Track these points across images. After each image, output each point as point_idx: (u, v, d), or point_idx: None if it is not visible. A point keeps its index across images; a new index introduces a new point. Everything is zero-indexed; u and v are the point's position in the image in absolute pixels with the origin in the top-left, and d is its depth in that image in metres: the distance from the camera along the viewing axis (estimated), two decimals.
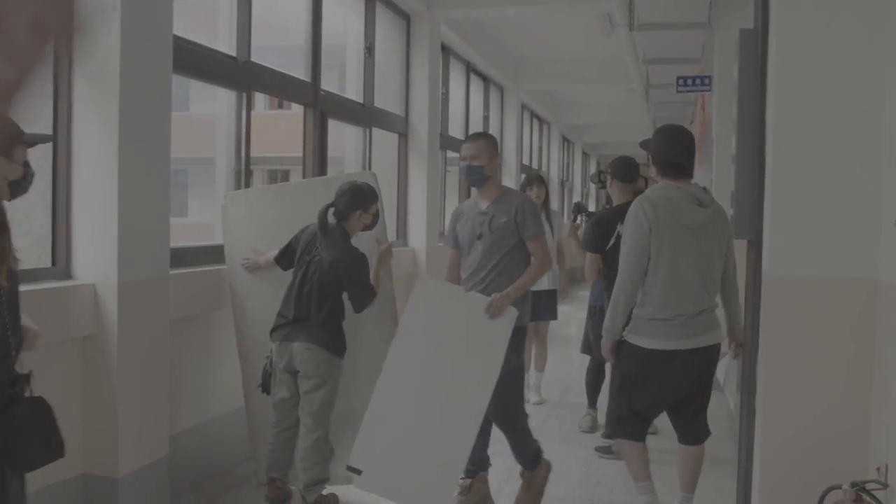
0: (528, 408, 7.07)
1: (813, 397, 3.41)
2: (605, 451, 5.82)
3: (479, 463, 4.62)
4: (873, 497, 2.95)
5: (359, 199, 4.59)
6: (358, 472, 4.17)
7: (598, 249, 5.68)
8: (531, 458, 4.71)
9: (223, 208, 5.08)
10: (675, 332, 4.05)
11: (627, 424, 4.28)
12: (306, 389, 4.47)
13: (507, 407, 4.50)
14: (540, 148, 17.61)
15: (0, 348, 2.77)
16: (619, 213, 5.31)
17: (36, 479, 3.83)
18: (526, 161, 15.48)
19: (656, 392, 4.20)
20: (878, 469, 3.05)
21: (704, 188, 4.22)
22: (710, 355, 4.17)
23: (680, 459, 4.43)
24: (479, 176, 4.56)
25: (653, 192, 4.18)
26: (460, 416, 4.13)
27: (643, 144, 4.60)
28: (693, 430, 4.33)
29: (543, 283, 7.10)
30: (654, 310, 4.06)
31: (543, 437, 6.11)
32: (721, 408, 7.19)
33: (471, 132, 11.47)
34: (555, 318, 7.41)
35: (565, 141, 20.89)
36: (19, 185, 2.71)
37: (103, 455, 4.13)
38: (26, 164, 2.71)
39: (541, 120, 17.46)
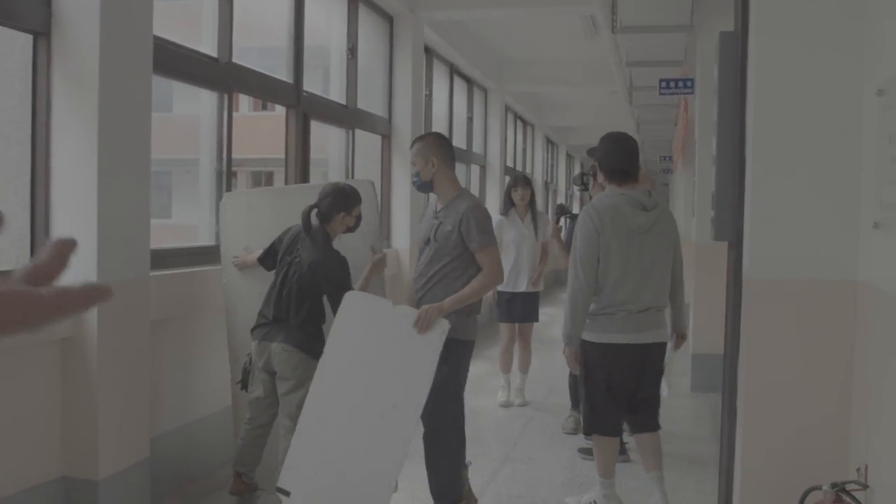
0: (513, 410, 7.13)
1: (793, 398, 3.42)
2: (587, 452, 5.81)
3: None
4: (853, 498, 2.96)
5: (342, 202, 4.56)
6: (287, 493, 4.07)
7: None
8: (447, 497, 4.36)
9: (221, 207, 5.06)
10: (620, 327, 4.36)
11: (599, 419, 4.53)
12: (284, 391, 4.46)
13: (434, 429, 4.31)
14: (524, 150, 17.64)
15: None
16: None
17: (14, 482, 3.81)
18: (510, 163, 15.50)
19: (609, 384, 4.46)
20: (857, 470, 3.07)
21: (649, 192, 4.48)
22: (654, 352, 4.47)
23: (640, 448, 4.70)
24: (418, 182, 4.41)
25: (598, 200, 4.48)
26: (388, 434, 3.97)
27: (590, 152, 4.90)
28: (644, 421, 4.58)
29: (523, 286, 7.10)
30: (601, 307, 4.37)
31: (527, 440, 6.14)
32: (703, 408, 7.22)
33: (454, 134, 11.57)
34: (536, 320, 7.37)
35: (549, 143, 20.93)
36: None
37: (83, 457, 4.09)
38: None
39: (525, 122, 17.49)
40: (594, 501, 4.70)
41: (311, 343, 4.48)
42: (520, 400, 7.36)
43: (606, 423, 4.53)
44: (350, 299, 4.22)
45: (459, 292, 4.19)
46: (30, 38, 4.06)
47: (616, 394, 4.47)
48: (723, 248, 4.19)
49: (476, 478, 5.25)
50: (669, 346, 4.70)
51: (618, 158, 4.47)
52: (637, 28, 8.62)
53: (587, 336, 4.42)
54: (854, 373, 3.32)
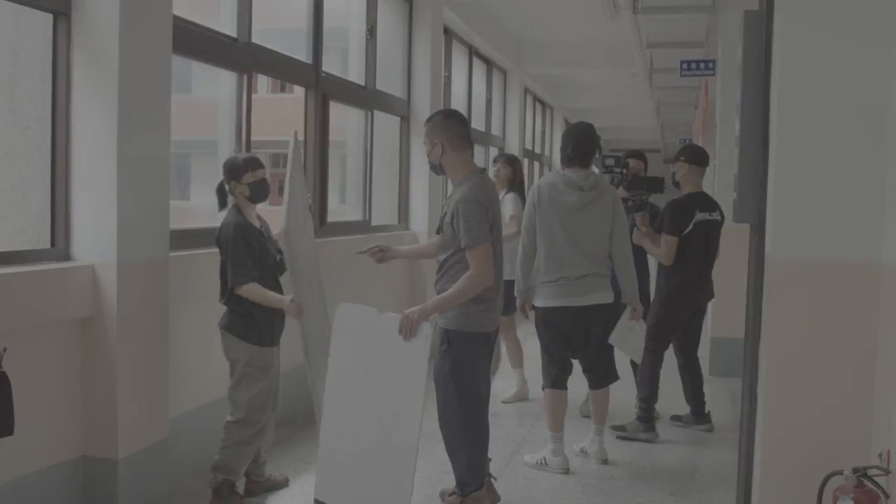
0: (511, 407, 7.00)
1: (815, 382, 3.38)
2: (621, 429, 5.97)
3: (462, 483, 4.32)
4: (875, 483, 2.93)
5: (229, 172, 4.43)
6: None
7: (679, 232, 5.86)
8: (466, 487, 4.30)
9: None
10: (560, 293, 5.04)
11: (546, 374, 5.21)
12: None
13: (447, 421, 4.26)
14: (542, 132, 17.55)
15: None
16: (699, 201, 5.99)
17: (35, 461, 3.84)
18: (528, 146, 15.42)
19: (558, 343, 5.13)
20: (879, 455, 3.03)
21: (598, 174, 5.31)
22: (596, 312, 5.08)
23: (591, 400, 5.40)
24: (432, 166, 4.34)
25: (542, 179, 5.32)
26: (397, 441, 3.91)
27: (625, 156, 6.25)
28: (595, 377, 5.28)
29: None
30: (543, 275, 5.10)
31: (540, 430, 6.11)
32: (722, 393, 7.19)
33: (473, 116, 11.51)
34: (514, 311, 6.86)
35: (569, 125, 20.80)
36: None
37: (103, 437, 4.12)
38: None
39: (544, 104, 17.39)
40: (544, 457, 5.21)
41: (237, 324, 4.35)
42: (522, 396, 7.08)
43: (550, 377, 5.17)
44: (341, 311, 4.13)
45: (443, 294, 4.12)
46: (49, 17, 4.06)
47: (564, 350, 5.14)
48: (743, 230, 4.15)
49: (493, 460, 5.27)
50: (624, 317, 5.21)
51: (565, 145, 5.16)
52: (659, 9, 8.55)
53: (537, 302, 5.17)
54: (877, 356, 3.28)
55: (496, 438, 5.74)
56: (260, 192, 4.44)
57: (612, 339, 5.23)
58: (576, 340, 5.13)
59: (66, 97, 4.09)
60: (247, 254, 4.30)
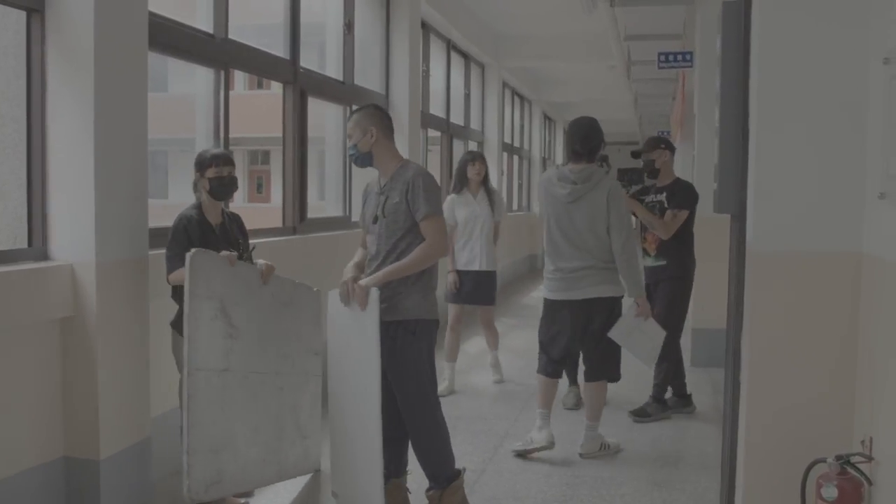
0: (508, 387, 7.09)
1: (798, 372, 3.40)
2: (641, 414, 6.17)
3: (389, 467, 4.17)
4: (858, 470, 2.95)
5: (197, 165, 4.38)
6: (336, 495, 4.29)
7: (691, 207, 6.13)
8: (442, 476, 4.23)
9: None
10: (557, 286, 5.14)
11: (539, 361, 5.34)
12: None
13: (417, 414, 4.17)
14: (521, 126, 17.56)
15: None
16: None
17: (16, 462, 3.80)
18: (507, 139, 15.43)
19: (554, 335, 5.23)
20: (862, 442, 3.05)
21: (593, 167, 5.14)
22: (593, 306, 5.09)
23: (583, 393, 5.57)
24: (355, 154, 4.17)
25: (544, 174, 5.66)
26: (366, 417, 3.95)
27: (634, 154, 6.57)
28: (588, 369, 5.36)
29: (475, 264, 6.91)
30: (547, 270, 5.23)
31: (529, 416, 6.13)
32: (703, 383, 7.22)
33: (451, 110, 11.50)
34: (490, 301, 7.09)
35: (547, 119, 20.84)
36: None
37: (84, 437, 4.08)
38: None
39: (522, 98, 17.40)
40: (530, 436, 5.32)
41: (176, 316, 4.29)
42: (497, 376, 7.34)
43: (539, 363, 5.34)
44: (331, 296, 4.19)
45: (397, 263, 4.03)
46: (23, 14, 4.01)
47: (561, 343, 5.20)
48: (723, 221, 4.16)
49: (477, 454, 5.27)
50: (629, 312, 5.17)
51: (570, 140, 5.22)
52: (636, 1, 8.56)
53: (543, 293, 5.33)
54: (859, 345, 3.30)
55: (479, 433, 5.75)
56: (219, 188, 4.34)
57: (613, 334, 5.11)
58: (572, 333, 5.15)
59: (41, 95, 4.04)
60: (177, 244, 4.19)
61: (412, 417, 4.18)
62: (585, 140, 5.13)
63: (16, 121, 4.05)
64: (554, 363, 5.29)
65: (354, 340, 4.06)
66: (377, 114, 4.21)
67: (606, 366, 5.29)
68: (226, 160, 4.39)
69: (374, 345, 3.91)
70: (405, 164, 4.19)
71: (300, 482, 4.76)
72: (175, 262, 4.16)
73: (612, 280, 5.10)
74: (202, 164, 4.36)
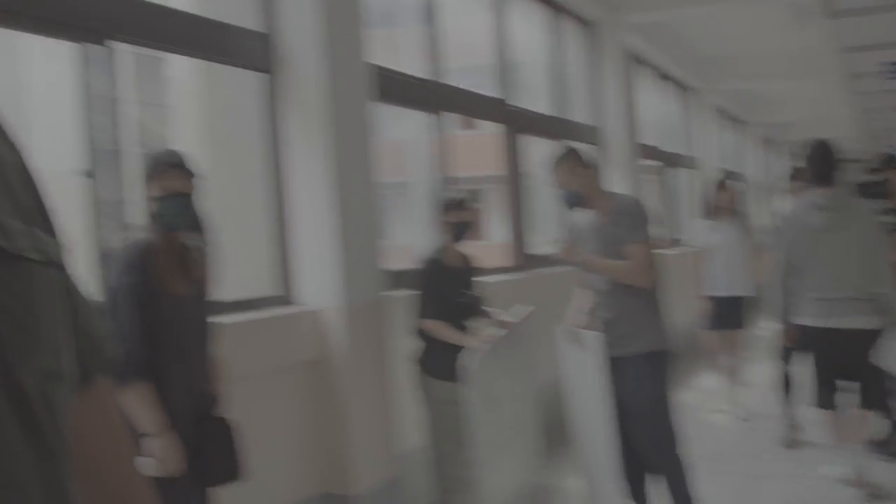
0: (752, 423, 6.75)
1: None
2: (882, 446, 5.51)
3: None
4: None
5: (440, 207, 4.52)
6: None
7: None
8: None
9: None
10: (822, 312, 4.76)
11: (816, 395, 4.95)
12: None
13: (669, 447, 4.14)
14: (736, 150, 16.97)
15: (188, 357, 2.92)
16: None
17: (287, 498, 4.00)
18: (722, 165, 14.95)
19: (820, 364, 4.90)
20: None
21: (846, 193, 4.96)
22: (858, 337, 4.70)
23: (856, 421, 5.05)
24: (567, 196, 4.18)
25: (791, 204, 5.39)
26: (601, 456, 4.22)
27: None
28: (862, 399, 4.88)
29: (720, 290, 6.77)
30: (809, 292, 4.83)
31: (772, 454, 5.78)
32: None
33: (664, 138, 11.28)
34: (738, 326, 6.98)
35: (765, 141, 20.04)
36: None
37: (337, 474, 4.24)
38: None
39: (736, 120, 16.82)
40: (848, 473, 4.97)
41: (423, 354, 4.41)
42: (739, 411, 6.98)
43: (820, 398, 4.94)
44: (558, 333, 4.36)
45: (607, 260, 4.05)
46: (258, 75, 4.31)
47: (826, 372, 4.87)
48: None
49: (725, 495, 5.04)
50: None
51: (810, 165, 4.94)
52: (858, 11, 8.11)
53: (802, 320, 4.86)
54: None
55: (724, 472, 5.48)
56: (459, 230, 4.46)
57: (881, 362, 4.77)
58: (837, 363, 4.84)
59: (275, 149, 4.31)
60: (430, 289, 4.32)
61: (659, 456, 4.13)
62: (825, 163, 4.91)
63: (260, 176, 4.33)
64: (832, 395, 4.92)
65: (583, 379, 4.16)
66: (579, 155, 4.25)
67: (870, 392, 4.89)
68: (464, 203, 4.52)
69: (601, 385, 4.01)
70: (613, 197, 4.24)
71: None
72: (428, 308, 4.30)
73: (873, 310, 4.75)
74: (448, 206, 4.47)
